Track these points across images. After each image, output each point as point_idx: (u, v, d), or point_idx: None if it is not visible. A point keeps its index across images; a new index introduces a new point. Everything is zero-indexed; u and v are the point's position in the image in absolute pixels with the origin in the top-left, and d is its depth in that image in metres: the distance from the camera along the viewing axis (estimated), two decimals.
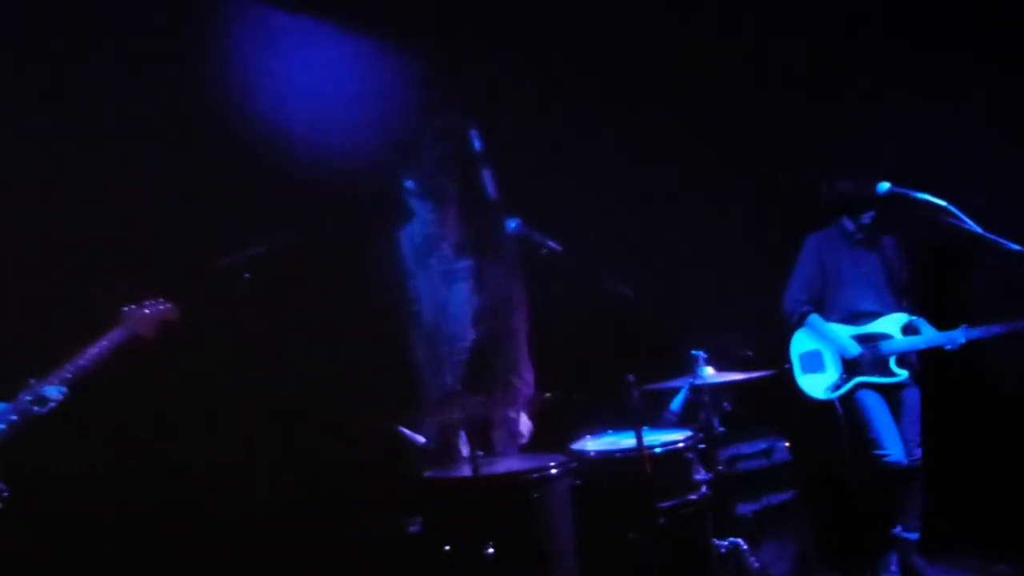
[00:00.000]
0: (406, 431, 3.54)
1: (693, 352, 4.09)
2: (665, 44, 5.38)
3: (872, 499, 4.80)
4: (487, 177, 3.81)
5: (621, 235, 5.20)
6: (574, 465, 3.59)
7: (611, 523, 3.66)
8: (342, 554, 4.38)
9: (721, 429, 4.13)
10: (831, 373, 4.93)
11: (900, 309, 4.92)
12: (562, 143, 5.23)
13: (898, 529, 4.74)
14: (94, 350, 3.31)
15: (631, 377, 3.57)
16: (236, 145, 4.44)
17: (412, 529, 3.54)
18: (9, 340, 3.45)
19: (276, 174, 4.49)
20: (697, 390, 4.05)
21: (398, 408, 3.76)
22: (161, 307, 3.45)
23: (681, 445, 3.83)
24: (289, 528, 4.32)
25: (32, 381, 3.20)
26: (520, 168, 4.40)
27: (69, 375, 3.24)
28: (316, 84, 4.70)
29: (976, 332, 4.58)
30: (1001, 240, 2.88)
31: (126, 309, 3.38)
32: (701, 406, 4.09)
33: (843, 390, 4.87)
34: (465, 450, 3.33)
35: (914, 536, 4.74)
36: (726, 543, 4.00)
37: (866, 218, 4.92)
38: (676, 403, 4.14)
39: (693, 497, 3.81)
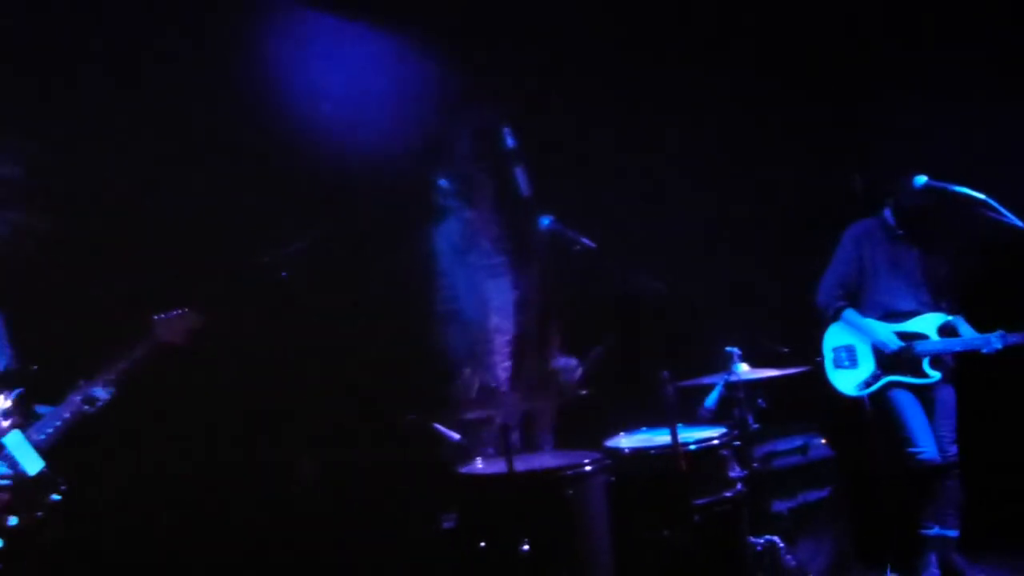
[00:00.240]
0: (441, 428, 3.56)
1: (727, 348, 4.07)
2: (698, 41, 5.36)
3: (908, 497, 4.75)
4: (520, 175, 3.83)
5: (654, 231, 5.18)
6: (608, 462, 3.59)
7: (646, 520, 3.66)
8: (378, 550, 4.41)
9: (756, 426, 4.11)
10: (863, 369, 4.87)
11: (938, 308, 4.84)
12: (595, 140, 5.22)
13: (935, 528, 4.68)
14: (134, 353, 3.38)
15: (666, 374, 3.57)
16: (270, 145, 4.47)
17: (447, 525, 3.56)
18: (44, 341, 3.50)
19: (310, 174, 4.52)
20: (732, 387, 4.04)
21: (434, 405, 3.79)
22: (188, 315, 3.50)
23: (716, 442, 3.82)
24: (326, 524, 4.36)
25: (81, 382, 3.28)
26: (553, 165, 4.42)
27: (114, 376, 3.32)
28: (349, 83, 4.73)
29: (1014, 338, 4.49)
30: None
31: (157, 318, 3.45)
32: (736, 403, 4.08)
33: (874, 388, 4.81)
34: (501, 447, 3.34)
35: (953, 533, 4.67)
36: (762, 540, 3.98)
37: (906, 212, 4.86)
38: (710, 400, 4.13)
39: (728, 494, 3.79)
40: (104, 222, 4.06)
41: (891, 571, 4.64)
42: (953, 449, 4.72)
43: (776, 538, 4.02)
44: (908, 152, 4.84)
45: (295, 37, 4.65)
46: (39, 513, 3.11)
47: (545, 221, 3.70)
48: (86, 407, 3.25)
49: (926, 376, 4.72)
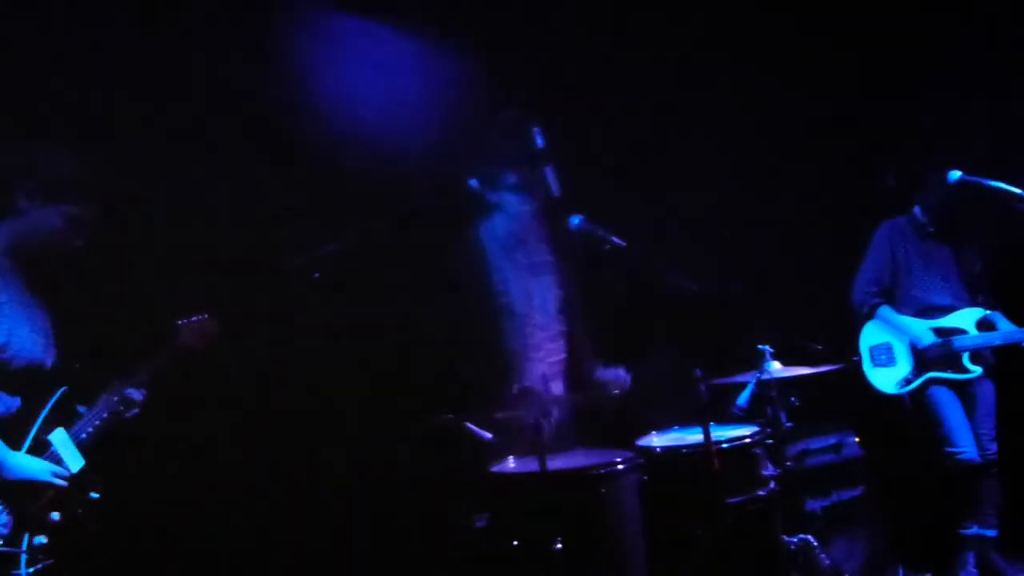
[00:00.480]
0: (473, 427, 3.58)
1: (760, 346, 4.05)
2: (731, 38, 5.34)
3: (946, 496, 4.70)
4: (550, 174, 3.83)
5: (686, 229, 5.17)
6: (641, 461, 3.59)
7: (678, 519, 3.65)
8: (411, 549, 4.44)
9: (789, 424, 4.08)
10: (902, 367, 4.83)
11: (975, 304, 4.80)
12: (629, 137, 5.21)
13: (974, 528, 4.63)
14: (163, 355, 3.42)
15: (698, 372, 3.56)
16: (303, 148, 4.51)
17: (479, 524, 3.57)
18: (78, 341, 3.55)
19: (344, 175, 4.55)
20: (764, 385, 4.02)
21: (471, 403, 3.81)
22: (210, 321, 3.55)
23: (748, 440, 3.80)
24: (358, 524, 4.40)
25: (116, 383, 3.33)
26: (583, 164, 4.42)
27: (146, 378, 3.36)
28: (381, 84, 4.76)
29: None
30: None
31: (181, 323, 3.50)
32: (768, 401, 4.05)
33: (913, 385, 4.77)
34: (534, 445, 3.35)
35: (992, 533, 4.62)
36: (795, 540, 3.96)
37: (939, 207, 4.81)
38: (743, 398, 4.10)
39: (761, 493, 3.77)
40: (136, 223, 4.12)
41: (904, 571, 4.60)
42: (993, 447, 4.67)
43: (810, 537, 3.99)
44: (939, 148, 4.80)
45: (327, 39, 4.69)
46: (79, 510, 3.17)
47: (575, 220, 3.70)
48: (122, 408, 3.30)
49: (967, 371, 4.68)
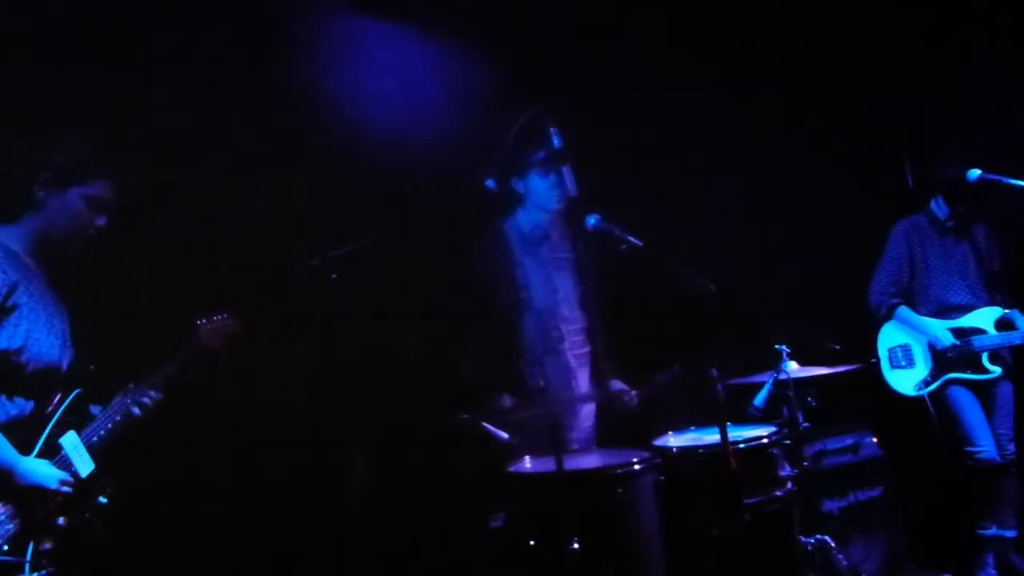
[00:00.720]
0: (490, 427, 3.58)
1: (777, 346, 4.04)
2: (753, 37, 5.33)
3: (964, 496, 4.67)
4: (566, 174, 3.84)
5: (703, 228, 5.15)
6: (658, 461, 3.58)
7: (695, 519, 3.64)
8: (427, 548, 4.44)
9: (806, 424, 4.07)
10: (921, 369, 4.80)
11: (993, 303, 4.77)
12: (644, 137, 5.20)
13: (993, 528, 4.61)
14: (181, 357, 3.40)
15: (714, 372, 3.54)
16: (322, 149, 4.53)
17: (496, 524, 3.57)
18: (93, 341, 3.56)
19: (361, 176, 4.56)
20: (781, 385, 4.00)
21: (485, 403, 3.81)
22: (229, 321, 3.53)
23: (765, 440, 3.78)
24: (375, 524, 4.40)
25: (131, 386, 3.30)
26: (600, 164, 4.41)
27: (161, 380, 3.33)
28: (401, 86, 4.77)
29: None
30: None
31: (199, 323, 3.48)
32: (785, 401, 4.03)
33: (933, 387, 4.74)
34: (551, 445, 3.34)
35: (1011, 534, 4.60)
36: (813, 540, 3.95)
37: (957, 206, 4.78)
38: (760, 398, 4.09)
39: (779, 493, 3.75)
40: (154, 224, 4.14)
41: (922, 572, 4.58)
42: (1012, 447, 4.65)
43: (827, 538, 3.98)
44: (959, 146, 4.77)
45: (346, 41, 4.70)
46: (87, 515, 3.15)
47: (591, 220, 3.70)
48: (135, 410, 3.26)
49: (986, 371, 4.66)
